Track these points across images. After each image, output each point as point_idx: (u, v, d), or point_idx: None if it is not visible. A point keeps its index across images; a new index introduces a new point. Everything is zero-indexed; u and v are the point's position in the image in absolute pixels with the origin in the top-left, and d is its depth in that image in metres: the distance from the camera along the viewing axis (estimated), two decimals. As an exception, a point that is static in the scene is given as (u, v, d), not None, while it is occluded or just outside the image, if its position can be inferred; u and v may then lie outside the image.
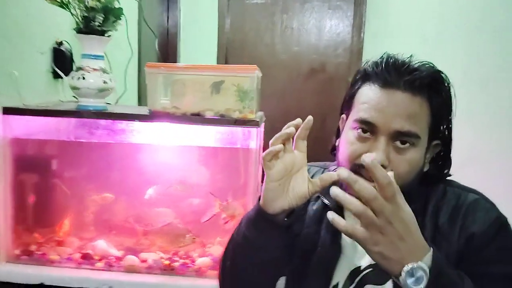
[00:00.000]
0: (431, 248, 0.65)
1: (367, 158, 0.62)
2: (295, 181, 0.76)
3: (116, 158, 1.37)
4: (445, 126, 0.81)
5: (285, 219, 0.79)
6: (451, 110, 0.80)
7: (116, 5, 1.36)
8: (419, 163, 0.77)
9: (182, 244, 1.31)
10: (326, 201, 0.87)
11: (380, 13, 2.89)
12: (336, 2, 3.13)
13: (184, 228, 1.29)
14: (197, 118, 1.23)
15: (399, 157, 0.75)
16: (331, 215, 0.65)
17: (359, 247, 0.81)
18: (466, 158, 1.36)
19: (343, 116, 0.86)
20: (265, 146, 1.42)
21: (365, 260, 0.82)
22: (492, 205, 0.79)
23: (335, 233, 0.84)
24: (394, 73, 0.76)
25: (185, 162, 1.35)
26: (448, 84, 0.79)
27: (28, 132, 1.32)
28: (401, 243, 0.62)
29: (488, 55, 1.29)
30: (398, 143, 0.75)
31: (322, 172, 0.95)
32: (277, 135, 0.74)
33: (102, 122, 1.31)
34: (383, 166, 0.72)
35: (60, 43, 1.57)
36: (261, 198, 0.77)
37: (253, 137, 1.24)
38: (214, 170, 1.35)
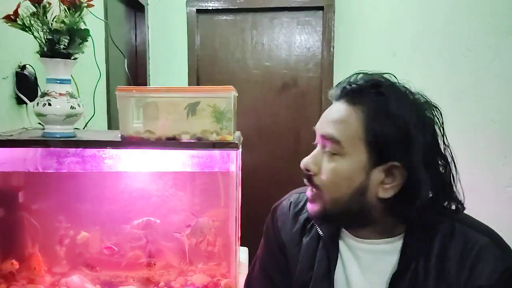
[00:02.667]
0: None
1: None
2: None
3: (87, 187, 1.30)
4: (403, 147, 0.68)
5: None
6: (403, 128, 0.68)
7: (82, 27, 1.30)
8: (349, 177, 0.71)
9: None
10: (320, 232, 0.82)
11: (349, 28, 2.93)
12: (305, 18, 3.15)
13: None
14: (173, 142, 1.18)
15: (326, 164, 0.73)
16: None
17: (353, 284, 0.77)
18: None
19: None
20: (243, 166, 1.39)
21: None
22: (504, 251, 0.72)
23: (328, 268, 0.79)
24: (338, 87, 0.76)
25: (162, 189, 1.29)
26: (391, 94, 0.69)
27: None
28: None
29: (459, 72, 1.30)
30: (326, 149, 0.74)
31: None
32: None
33: (71, 150, 1.24)
34: (307, 170, 0.74)
35: (23, 67, 1.49)
36: None
37: (233, 160, 1.20)
38: (193, 196, 1.30)
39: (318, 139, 0.76)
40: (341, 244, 0.81)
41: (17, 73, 1.47)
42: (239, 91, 1.29)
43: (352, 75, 0.76)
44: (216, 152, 1.23)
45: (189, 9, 3.15)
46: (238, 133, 1.39)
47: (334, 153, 0.72)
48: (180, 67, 3.18)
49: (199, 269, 1.35)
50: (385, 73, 0.74)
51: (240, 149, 1.25)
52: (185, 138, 1.19)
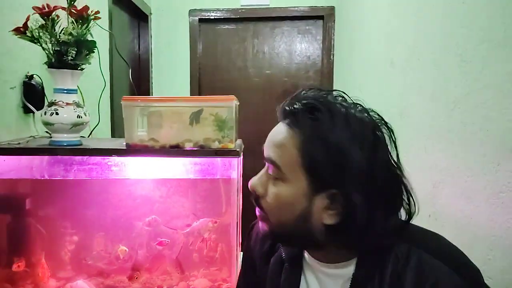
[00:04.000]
0: None
1: None
2: None
3: (93, 194, 1.33)
4: (338, 174, 0.64)
5: None
6: (337, 155, 0.64)
7: (89, 38, 1.34)
8: (292, 203, 0.67)
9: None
10: (282, 253, 0.80)
11: (349, 36, 2.98)
12: (305, 27, 3.21)
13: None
14: (176, 150, 1.22)
15: (271, 187, 0.70)
16: None
17: None
18: (438, 180, 1.40)
19: None
20: (244, 172, 1.43)
21: None
22: (464, 278, 0.65)
23: (292, 286, 0.78)
24: (282, 106, 0.71)
25: (166, 195, 1.33)
26: (325, 119, 0.65)
27: (0, 171, 1.27)
28: None
29: (454, 81, 1.34)
30: (270, 173, 0.70)
31: None
32: None
33: (77, 157, 1.28)
34: (254, 191, 0.71)
35: (31, 77, 1.53)
36: None
37: (234, 167, 1.24)
38: (195, 202, 1.33)
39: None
40: (305, 265, 0.78)
41: (24, 83, 1.52)
42: (240, 99, 1.33)
43: (300, 91, 0.71)
44: (218, 160, 1.27)
45: (191, 19, 3.21)
46: (239, 141, 1.43)
47: (277, 178, 0.69)
48: (183, 76, 3.23)
49: (201, 273, 1.39)
50: (331, 91, 0.70)
51: (241, 157, 1.29)
52: (188, 146, 1.23)
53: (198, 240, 1.35)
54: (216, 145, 1.23)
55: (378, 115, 0.70)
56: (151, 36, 3.16)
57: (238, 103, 1.38)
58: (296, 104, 0.68)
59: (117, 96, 2.20)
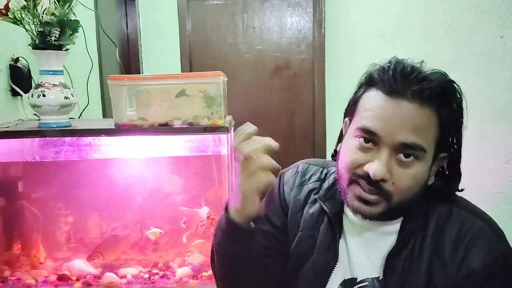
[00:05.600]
0: None
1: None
2: None
3: (84, 175, 1.34)
4: (454, 139, 0.75)
5: (252, 223, 0.75)
6: (461, 122, 0.75)
7: (72, 17, 1.32)
8: (423, 177, 0.74)
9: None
10: (325, 207, 0.84)
11: (339, 8, 2.94)
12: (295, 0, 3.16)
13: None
14: (165, 128, 1.22)
15: (402, 170, 0.71)
16: None
17: (354, 257, 0.80)
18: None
19: (347, 120, 0.82)
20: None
21: (361, 272, 0.79)
22: (498, 236, 0.75)
23: (333, 241, 0.82)
24: (401, 81, 0.71)
25: (157, 173, 1.34)
26: (460, 95, 0.74)
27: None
28: None
29: (443, 50, 1.33)
30: (401, 155, 0.71)
31: (322, 172, 0.89)
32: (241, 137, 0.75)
33: (67, 139, 1.28)
34: (383, 180, 0.71)
35: (17, 60, 1.51)
36: (229, 207, 0.74)
37: (224, 143, 1.24)
38: (187, 179, 1.34)
39: (385, 142, 0.71)
40: (345, 219, 0.83)
41: (11, 66, 1.50)
42: (231, 76, 1.32)
43: (418, 73, 0.71)
44: (209, 137, 1.27)
45: (179, -5, 3.15)
46: (229, 117, 1.42)
47: (413, 158, 0.71)
48: (173, 54, 3.19)
49: (197, 249, 1.41)
50: (439, 70, 0.74)
51: (232, 133, 1.29)
52: (177, 124, 1.23)
53: (196, 223, 1.36)
54: (205, 122, 1.23)
55: None
56: (138, 15, 3.11)
57: (226, 79, 1.37)
58: (433, 86, 0.70)
59: (106, 77, 2.18)
